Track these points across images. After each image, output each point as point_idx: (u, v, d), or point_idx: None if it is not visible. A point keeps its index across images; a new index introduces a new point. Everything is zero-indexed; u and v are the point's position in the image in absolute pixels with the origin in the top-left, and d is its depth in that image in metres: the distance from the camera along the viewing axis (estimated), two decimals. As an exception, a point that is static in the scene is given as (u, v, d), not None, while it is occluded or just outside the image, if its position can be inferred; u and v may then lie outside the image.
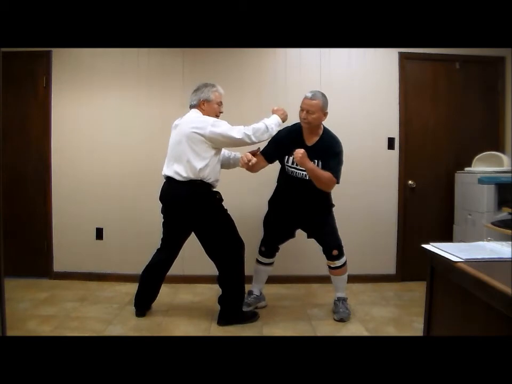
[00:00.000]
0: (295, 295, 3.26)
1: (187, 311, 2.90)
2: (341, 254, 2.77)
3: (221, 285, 2.69)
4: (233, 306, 2.66)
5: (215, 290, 3.37)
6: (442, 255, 1.53)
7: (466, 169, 3.44)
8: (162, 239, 2.80)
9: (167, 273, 2.89)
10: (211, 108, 2.64)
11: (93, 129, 3.54)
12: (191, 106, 2.68)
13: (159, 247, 2.81)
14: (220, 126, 2.51)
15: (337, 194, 3.51)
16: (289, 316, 2.82)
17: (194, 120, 2.56)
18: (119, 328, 2.60)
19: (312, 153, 2.57)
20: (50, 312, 2.82)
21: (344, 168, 3.53)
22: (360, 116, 3.57)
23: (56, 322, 2.65)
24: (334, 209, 2.83)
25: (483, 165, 3.35)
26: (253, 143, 2.57)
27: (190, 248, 3.58)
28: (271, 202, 2.89)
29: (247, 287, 2.91)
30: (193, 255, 3.58)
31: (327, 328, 2.64)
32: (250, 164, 2.54)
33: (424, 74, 3.63)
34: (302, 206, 2.73)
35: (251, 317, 2.74)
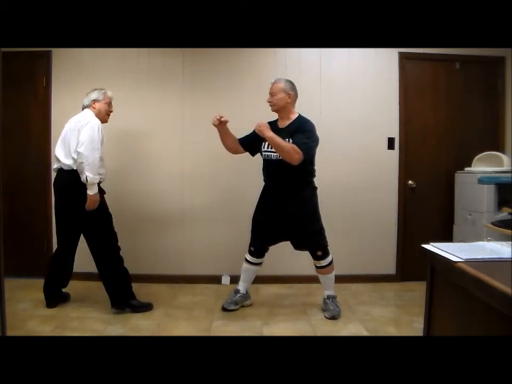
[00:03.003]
0: (295, 295, 3.26)
1: (187, 311, 2.90)
2: (325, 254, 2.80)
3: (101, 276, 2.86)
4: (123, 292, 2.85)
5: (215, 290, 3.38)
6: (442, 255, 1.53)
7: (466, 169, 3.44)
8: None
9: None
10: (100, 107, 2.88)
11: (93, 129, 3.53)
12: (84, 107, 2.90)
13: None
14: (88, 134, 2.69)
15: (337, 194, 3.53)
16: (289, 316, 2.82)
17: (83, 117, 2.79)
18: (119, 328, 2.60)
19: (283, 133, 2.69)
20: (50, 312, 2.82)
21: (344, 168, 3.56)
22: (360, 115, 3.57)
23: (56, 322, 2.65)
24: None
25: (483, 165, 3.35)
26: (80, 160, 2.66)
27: (190, 248, 3.59)
28: (258, 201, 2.91)
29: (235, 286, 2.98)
30: (193, 255, 3.59)
31: (327, 328, 2.64)
32: (222, 120, 2.70)
33: (424, 74, 3.63)
34: (282, 193, 2.75)
35: (143, 306, 2.89)
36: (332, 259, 2.85)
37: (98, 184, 2.78)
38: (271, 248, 2.93)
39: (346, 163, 3.57)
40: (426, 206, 3.66)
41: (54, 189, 2.91)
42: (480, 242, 1.73)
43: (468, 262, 1.42)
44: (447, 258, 1.48)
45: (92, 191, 2.66)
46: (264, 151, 2.79)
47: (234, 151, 2.92)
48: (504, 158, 3.33)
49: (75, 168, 2.69)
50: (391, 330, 2.61)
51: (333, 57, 3.55)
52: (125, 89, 3.52)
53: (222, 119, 2.71)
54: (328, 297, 2.88)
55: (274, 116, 2.88)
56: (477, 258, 1.45)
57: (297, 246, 2.86)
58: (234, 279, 3.35)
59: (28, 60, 3.50)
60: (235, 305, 2.92)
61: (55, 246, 3.56)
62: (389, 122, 3.60)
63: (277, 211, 2.77)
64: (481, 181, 3.15)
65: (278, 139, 2.61)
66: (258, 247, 2.89)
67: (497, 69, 3.63)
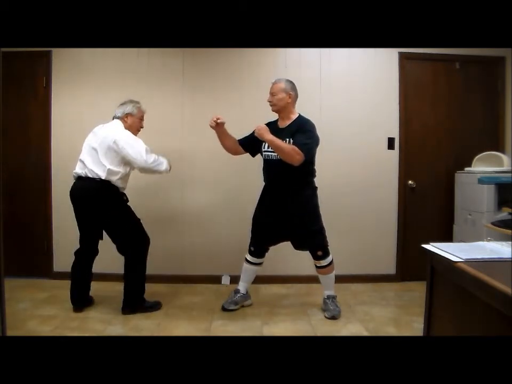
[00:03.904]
0: (295, 295, 3.26)
1: (187, 311, 2.90)
2: (326, 254, 2.80)
3: (125, 277, 2.84)
4: (136, 296, 2.84)
5: (215, 290, 3.38)
6: (442, 255, 1.53)
7: (466, 169, 3.44)
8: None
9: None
10: (133, 122, 2.87)
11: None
12: (116, 118, 2.88)
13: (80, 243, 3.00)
14: (133, 147, 2.71)
15: (337, 194, 3.53)
16: (289, 316, 2.82)
17: (116, 133, 2.76)
18: (119, 328, 2.60)
19: (283, 133, 2.70)
20: (50, 312, 2.82)
21: (344, 168, 3.56)
22: (360, 115, 3.57)
23: (56, 322, 2.65)
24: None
25: (483, 165, 3.35)
26: (149, 168, 2.79)
27: (190, 248, 3.59)
28: (258, 201, 2.91)
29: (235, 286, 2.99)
30: (193, 255, 3.59)
31: (327, 328, 2.64)
32: (219, 121, 2.69)
33: (424, 74, 3.63)
34: (282, 193, 2.75)
35: (153, 306, 2.90)
36: (332, 259, 2.85)
37: (123, 192, 2.85)
38: (271, 248, 2.94)
39: (346, 163, 3.57)
40: (426, 206, 3.66)
41: (78, 194, 2.82)
42: (480, 242, 1.73)
43: (468, 262, 1.42)
44: (447, 258, 1.48)
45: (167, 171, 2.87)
46: (264, 151, 2.79)
47: (234, 152, 2.91)
48: (504, 158, 3.33)
49: (104, 179, 2.70)
50: (391, 330, 2.61)
51: (333, 57, 3.55)
52: (125, 89, 3.52)
53: (219, 120, 2.70)
54: (328, 297, 2.88)
55: (274, 116, 2.88)
56: (477, 258, 1.45)
57: (298, 246, 2.86)
58: (234, 279, 3.35)
59: (28, 59, 3.50)
60: (235, 305, 2.92)
61: (55, 246, 3.58)
62: (389, 122, 3.60)
63: (277, 211, 2.77)
64: (481, 181, 3.15)
65: (278, 141, 2.60)
66: (258, 247, 2.89)
67: (497, 69, 3.63)
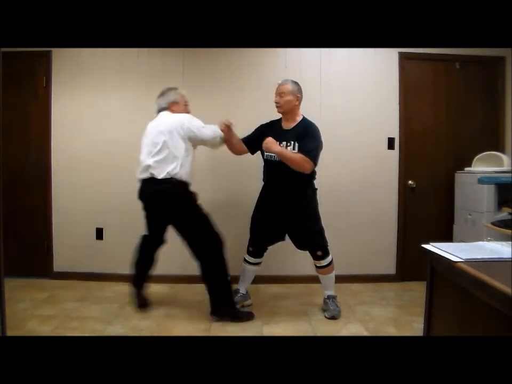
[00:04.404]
0: (295, 295, 3.26)
1: (187, 311, 2.90)
2: (325, 254, 2.81)
3: (206, 282, 2.73)
4: (223, 301, 2.70)
5: (215, 290, 3.38)
6: (442, 255, 1.53)
7: (466, 169, 3.44)
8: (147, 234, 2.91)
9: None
10: (180, 109, 2.78)
11: (93, 129, 3.54)
12: (161, 110, 2.80)
13: (144, 237, 2.92)
14: (195, 123, 2.64)
15: (337, 193, 3.53)
16: (289, 316, 2.82)
17: (172, 119, 2.67)
18: (119, 328, 2.60)
19: (288, 135, 2.71)
20: (50, 312, 2.82)
21: (344, 168, 3.56)
22: (360, 115, 3.57)
23: (56, 322, 2.65)
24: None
25: (483, 165, 3.35)
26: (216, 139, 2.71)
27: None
28: (257, 201, 2.91)
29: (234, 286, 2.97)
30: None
31: (327, 328, 2.64)
32: (230, 125, 2.68)
33: (424, 74, 3.63)
34: (285, 202, 2.74)
35: (245, 316, 2.75)
36: (332, 259, 2.85)
37: (190, 189, 2.73)
38: (271, 248, 2.93)
39: (346, 163, 3.57)
40: (426, 206, 3.66)
41: (150, 199, 2.71)
42: (480, 242, 1.73)
43: (468, 262, 1.42)
44: (447, 258, 1.48)
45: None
46: (267, 152, 2.78)
47: (239, 153, 2.91)
48: (504, 158, 3.32)
49: (179, 179, 2.60)
50: (391, 330, 2.61)
51: (333, 57, 3.55)
52: (125, 89, 3.52)
53: (231, 125, 2.69)
54: (329, 297, 2.89)
55: (272, 115, 2.88)
56: (477, 258, 1.46)
57: (298, 246, 2.86)
58: (234, 279, 3.34)
59: (28, 59, 3.49)
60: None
61: (55, 246, 3.58)
62: (389, 122, 3.60)
63: (277, 211, 2.77)
64: (481, 181, 3.15)
65: (287, 152, 2.62)
66: (257, 247, 2.89)
67: (497, 69, 3.63)
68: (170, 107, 2.77)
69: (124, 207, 3.55)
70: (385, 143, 3.60)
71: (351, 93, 3.56)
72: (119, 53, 3.49)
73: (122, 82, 3.51)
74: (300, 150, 2.64)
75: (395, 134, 3.60)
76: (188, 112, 2.81)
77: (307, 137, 2.67)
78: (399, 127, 3.60)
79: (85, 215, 3.56)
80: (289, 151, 2.64)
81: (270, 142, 2.62)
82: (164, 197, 2.62)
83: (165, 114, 2.75)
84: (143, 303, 2.90)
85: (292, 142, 2.68)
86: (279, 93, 2.74)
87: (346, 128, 3.55)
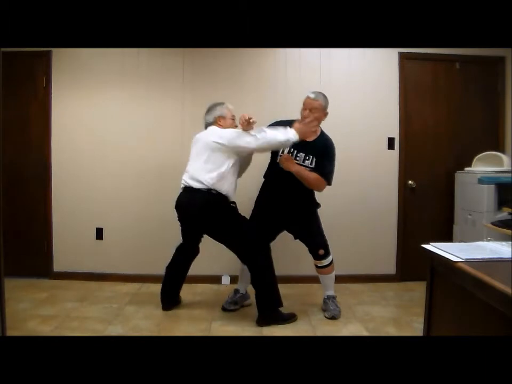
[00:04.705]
0: (295, 295, 3.26)
1: (187, 311, 2.90)
2: (327, 253, 2.82)
3: (254, 287, 2.72)
4: (268, 306, 2.68)
5: (215, 290, 3.38)
6: (442, 255, 1.53)
7: (466, 169, 3.44)
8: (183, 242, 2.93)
9: (162, 273, 2.96)
10: (226, 123, 2.77)
11: (93, 129, 3.54)
12: (208, 124, 2.79)
13: (180, 246, 2.94)
14: (237, 137, 2.60)
15: (337, 193, 3.52)
16: (289, 316, 2.82)
17: (215, 131, 2.68)
18: (119, 328, 2.60)
19: (308, 148, 2.69)
20: (50, 312, 2.82)
21: (344, 168, 3.55)
22: (360, 115, 3.57)
23: (56, 322, 2.65)
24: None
25: (483, 165, 3.35)
26: (264, 145, 2.62)
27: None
28: (256, 201, 2.91)
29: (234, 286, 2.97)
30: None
31: (327, 328, 2.64)
32: (251, 121, 2.57)
33: (424, 74, 3.63)
34: (286, 201, 2.76)
35: (290, 318, 2.74)
36: (332, 259, 2.86)
37: (232, 201, 2.76)
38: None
39: (346, 163, 3.56)
40: (426, 206, 3.66)
41: (188, 208, 2.69)
42: (480, 242, 1.72)
43: (468, 262, 1.42)
44: (447, 258, 1.48)
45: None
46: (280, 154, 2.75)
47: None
48: (504, 158, 3.32)
49: (218, 190, 2.62)
50: (391, 330, 2.61)
51: (333, 57, 3.55)
52: (125, 89, 3.52)
53: (251, 120, 2.58)
54: (328, 297, 2.89)
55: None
56: (477, 258, 1.45)
57: (298, 234, 2.86)
58: (234, 279, 3.35)
59: (28, 59, 3.49)
60: (235, 305, 2.93)
61: (55, 246, 3.58)
62: (389, 122, 3.60)
63: (276, 209, 2.78)
64: (481, 181, 3.15)
65: (304, 172, 2.64)
66: None
67: (497, 69, 3.63)
68: (217, 121, 2.77)
69: (124, 207, 3.56)
70: (385, 143, 3.60)
71: (351, 92, 3.56)
72: (119, 53, 3.49)
73: (122, 83, 3.51)
74: (317, 170, 2.66)
75: (395, 134, 3.60)
76: (235, 126, 2.80)
77: (325, 157, 2.68)
78: (399, 127, 3.60)
79: (85, 215, 3.56)
80: (306, 171, 2.65)
81: (288, 159, 2.63)
82: (201, 207, 2.62)
83: (212, 128, 2.75)
84: (169, 307, 2.93)
85: (310, 157, 2.69)
86: (310, 108, 2.67)
87: (346, 128, 3.55)
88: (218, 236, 2.72)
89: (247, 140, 2.58)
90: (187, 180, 2.70)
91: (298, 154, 2.70)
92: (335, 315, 2.78)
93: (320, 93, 2.76)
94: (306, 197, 2.81)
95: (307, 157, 2.69)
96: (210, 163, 2.62)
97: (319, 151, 2.69)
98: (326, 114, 2.74)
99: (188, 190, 2.68)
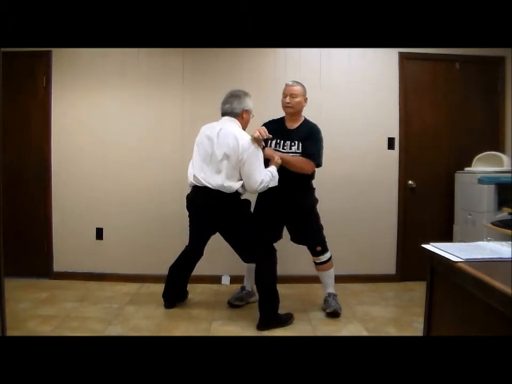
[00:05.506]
0: (295, 295, 3.26)
1: (187, 311, 2.90)
2: (324, 250, 2.84)
3: (258, 289, 2.70)
4: (269, 311, 2.64)
5: (215, 290, 3.38)
6: (442, 255, 1.53)
7: (466, 169, 3.44)
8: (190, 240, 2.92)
9: (162, 273, 2.96)
10: (248, 119, 2.71)
11: (93, 129, 3.54)
12: (231, 114, 2.64)
13: (188, 245, 2.93)
14: (253, 162, 2.51)
15: (337, 193, 3.53)
16: (289, 316, 2.82)
17: (238, 139, 2.52)
18: (119, 328, 2.60)
19: (293, 135, 2.77)
20: (50, 312, 2.82)
21: (344, 168, 3.56)
22: (360, 115, 3.57)
23: (56, 322, 2.65)
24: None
25: (483, 165, 3.35)
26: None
27: (190, 248, 3.58)
28: (257, 199, 2.93)
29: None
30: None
31: (327, 328, 2.64)
32: (266, 136, 2.56)
33: (424, 74, 3.63)
34: (285, 196, 2.77)
35: (287, 321, 2.71)
36: (331, 256, 2.88)
37: (247, 199, 2.70)
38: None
39: (346, 163, 3.57)
40: (426, 206, 3.66)
41: (202, 207, 2.64)
42: (480, 242, 1.73)
43: (468, 262, 1.42)
44: (447, 258, 1.48)
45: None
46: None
47: None
48: (504, 158, 3.32)
49: (235, 191, 2.56)
50: (391, 330, 2.61)
51: (333, 57, 3.55)
52: (125, 89, 3.52)
53: (266, 136, 2.56)
54: (329, 294, 2.90)
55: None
56: (477, 258, 1.45)
57: (295, 240, 2.90)
58: (234, 279, 3.35)
59: (28, 59, 3.49)
60: (241, 301, 2.99)
61: (55, 246, 3.58)
62: (389, 122, 3.60)
63: (276, 208, 2.81)
64: (481, 181, 3.15)
65: (287, 156, 2.70)
66: None
67: (497, 69, 3.63)
68: (242, 114, 2.62)
69: (124, 207, 3.55)
70: (385, 143, 3.60)
71: (351, 92, 3.56)
72: (119, 53, 3.49)
73: (122, 82, 3.51)
74: (303, 153, 2.72)
75: (395, 134, 3.60)
76: (248, 122, 2.71)
77: (310, 139, 2.74)
78: (399, 127, 3.60)
79: (85, 215, 3.56)
80: (289, 155, 2.70)
81: (269, 155, 2.66)
82: (216, 207, 2.58)
83: (233, 126, 2.59)
84: (171, 306, 2.93)
85: (296, 142, 2.75)
86: (290, 94, 2.76)
87: (346, 128, 3.55)
88: (231, 234, 2.69)
89: (258, 179, 2.50)
90: (200, 179, 2.60)
91: (285, 143, 2.77)
92: (336, 309, 2.79)
93: (298, 81, 2.83)
94: (306, 193, 2.83)
95: (293, 143, 2.75)
96: (225, 165, 2.53)
97: (303, 135, 2.76)
98: (305, 99, 2.81)
99: (201, 189, 2.59)
